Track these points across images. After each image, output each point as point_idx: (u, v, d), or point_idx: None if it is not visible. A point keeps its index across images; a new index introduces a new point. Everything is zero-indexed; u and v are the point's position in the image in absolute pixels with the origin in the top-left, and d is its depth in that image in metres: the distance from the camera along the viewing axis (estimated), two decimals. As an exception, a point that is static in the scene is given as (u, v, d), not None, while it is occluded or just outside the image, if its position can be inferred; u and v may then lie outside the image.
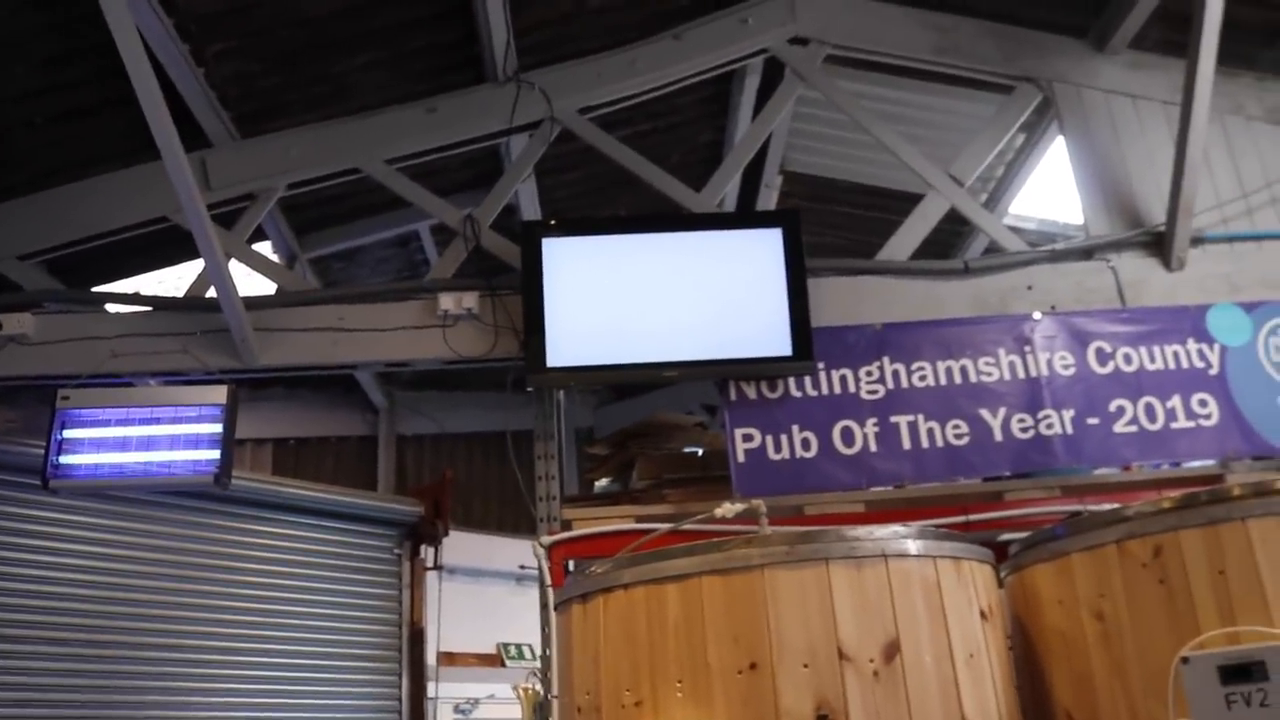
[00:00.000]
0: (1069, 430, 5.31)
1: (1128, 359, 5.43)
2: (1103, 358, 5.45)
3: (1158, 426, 5.28)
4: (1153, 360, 5.42)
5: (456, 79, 6.33)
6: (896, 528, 3.00)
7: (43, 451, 5.25)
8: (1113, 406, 5.35)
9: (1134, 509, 2.97)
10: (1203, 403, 5.32)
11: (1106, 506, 4.48)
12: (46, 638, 5.78)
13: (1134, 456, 5.31)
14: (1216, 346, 5.45)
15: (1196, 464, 5.31)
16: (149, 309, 5.85)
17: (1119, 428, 5.30)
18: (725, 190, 6.55)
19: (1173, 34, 6.04)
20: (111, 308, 5.92)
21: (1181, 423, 5.29)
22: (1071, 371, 5.44)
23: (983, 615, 3.05)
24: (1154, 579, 2.85)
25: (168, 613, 6.27)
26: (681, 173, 6.29)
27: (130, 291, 6.07)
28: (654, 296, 5.50)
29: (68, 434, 5.31)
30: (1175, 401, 5.33)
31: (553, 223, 5.84)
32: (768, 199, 8.10)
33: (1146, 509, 2.93)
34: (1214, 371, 5.40)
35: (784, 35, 6.43)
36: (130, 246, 6.29)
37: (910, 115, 7.15)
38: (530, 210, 7.42)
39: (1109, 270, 5.83)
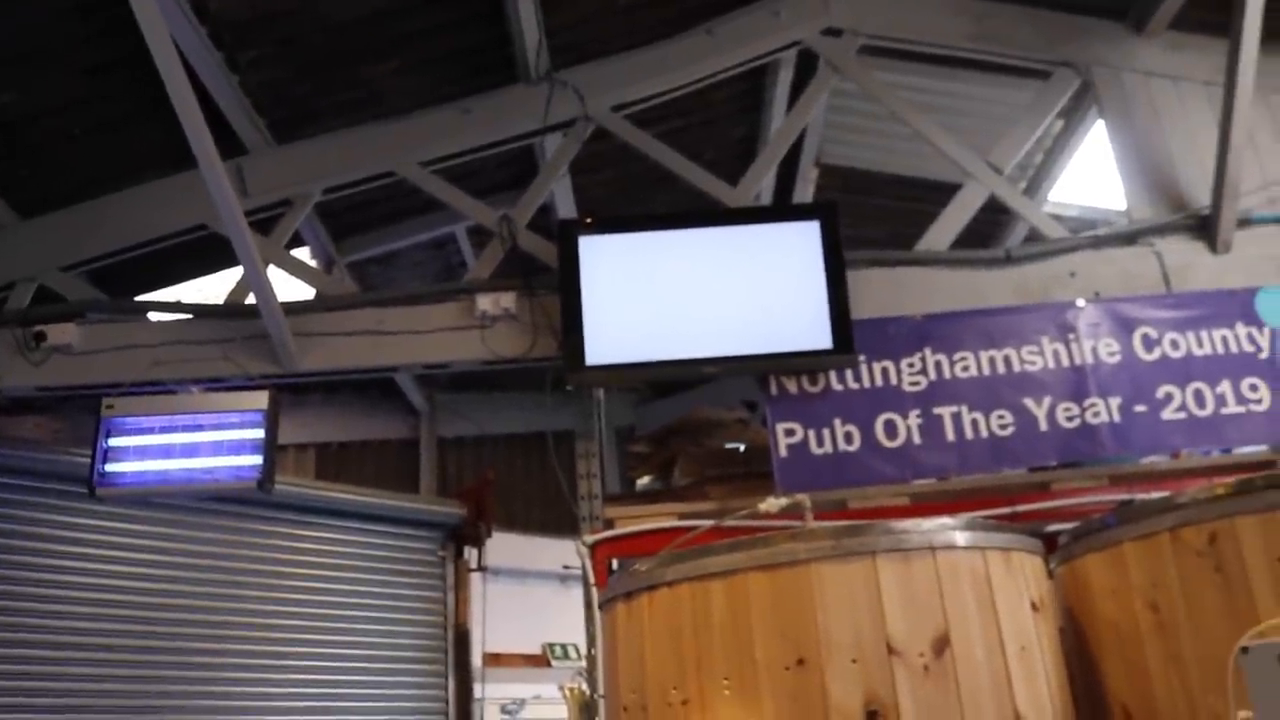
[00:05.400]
0: (1116, 418, 5.23)
1: (1175, 344, 5.35)
2: (1149, 344, 5.37)
3: (1207, 412, 5.19)
4: (1201, 345, 5.33)
5: (489, 80, 6.33)
6: (944, 520, 2.96)
7: (89, 460, 5.30)
8: (1160, 393, 5.26)
9: (1187, 496, 2.91)
10: (1253, 387, 5.22)
11: (1156, 495, 4.42)
12: (95, 644, 5.85)
13: (1183, 443, 5.22)
14: (1266, 330, 5.34)
15: (1248, 450, 5.22)
16: (190, 316, 5.89)
17: (1167, 414, 5.22)
18: (761, 185, 6.52)
19: (1212, 14, 5.92)
20: (153, 316, 5.98)
21: (1231, 408, 5.19)
22: (1117, 359, 5.36)
23: (1034, 607, 3.00)
24: (1210, 567, 2.80)
25: (213, 617, 6.32)
26: (716, 168, 6.26)
27: (171, 300, 6.12)
28: (692, 292, 5.47)
29: (113, 442, 5.36)
30: (1225, 387, 5.23)
31: (589, 221, 5.82)
32: (804, 192, 8.04)
33: (1200, 496, 2.87)
34: (1264, 355, 5.29)
35: (817, 27, 6.38)
36: (170, 255, 6.34)
37: (946, 104, 7.08)
38: (566, 209, 7.41)
39: (1153, 255, 5.74)
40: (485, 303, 5.72)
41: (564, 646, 9.04)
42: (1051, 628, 3.09)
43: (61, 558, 5.86)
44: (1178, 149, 6.03)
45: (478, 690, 7.36)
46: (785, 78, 7.00)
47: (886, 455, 5.24)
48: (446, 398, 10.74)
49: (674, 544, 3.55)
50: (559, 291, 5.52)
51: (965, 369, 5.39)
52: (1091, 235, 5.95)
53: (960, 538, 2.91)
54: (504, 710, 8.43)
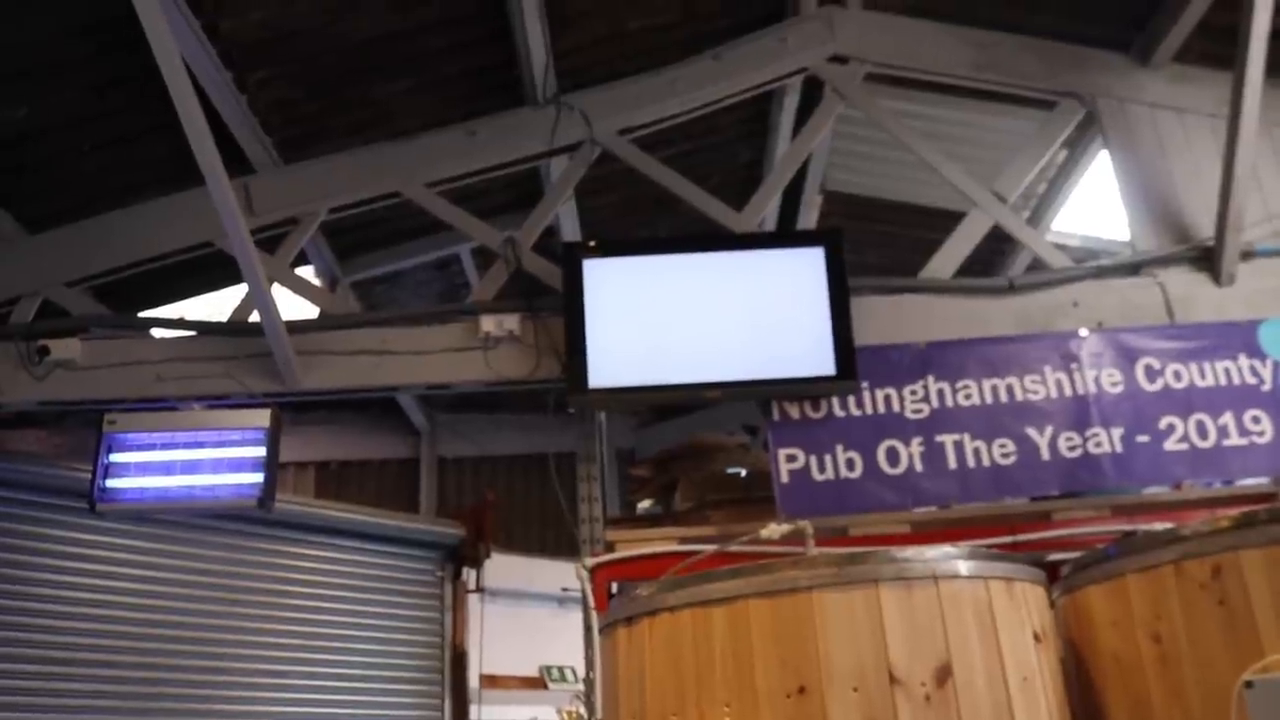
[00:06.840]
0: (1118, 448, 5.22)
1: (1178, 375, 5.34)
2: (1152, 375, 5.37)
3: (1209, 444, 5.19)
4: (1203, 377, 5.33)
5: (496, 102, 6.35)
6: (947, 548, 2.94)
7: (90, 475, 5.30)
8: (1163, 424, 5.25)
9: (1191, 528, 2.90)
10: (1255, 419, 5.22)
11: (1158, 526, 4.41)
12: (93, 660, 5.83)
13: (1185, 475, 5.21)
14: (1269, 362, 5.34)
15: (1250, 482, 5.21)
16: (193, 333, 5.89)
17: (1170, 445, 5.21)
18: (766, 210, 6.53)
19: (1217, 47, 5.96)
20: (156, 332, 5.98)
21: (1234, 440, 5.19)
22: (1120, 389, 5.36)
23: (1036, 637, 2.99)
24: (1213, 600, 2.78)
25: (211, 635, 6.31)
26: (722, 193, 6.27)
27: (175, 316, 6.12)
28: (696, 316, 5.47)
29: (114, 458, 5.36)
30: (1227, 418, 5.23)
31: (593, 244, 5.83)
32: (808, 218, 8.07)
33: (1204, 528, 2.86)
34: (1267, 388, 5.29)
35: (823, 54, 6.40)
36: (175, 271, 6.35)
37: (951, 133, 7.10)
38: (571, 232, 7.43)
39: (1156, 286, 5.75)
40: (489, 324, 5.72)
41: (561, 669, 9.01)
42: (1054, 658, 3.07)
43: (61, 572, 5.86)
44: (1181, 180, 6.05)
45: (474, 712, 7.35)
46: (791, 104, 7.03)
47: (888, 482, 5.23)
48: (448, 418, 10.76)
49: (675, 569, 3.54)
50: (563, 314, 5.52)
51: (968, 397, 5.39)
52: (1095, 265, 5.96)
53: (963, 567, 2.90)
54: (500, 732, 8.39)
